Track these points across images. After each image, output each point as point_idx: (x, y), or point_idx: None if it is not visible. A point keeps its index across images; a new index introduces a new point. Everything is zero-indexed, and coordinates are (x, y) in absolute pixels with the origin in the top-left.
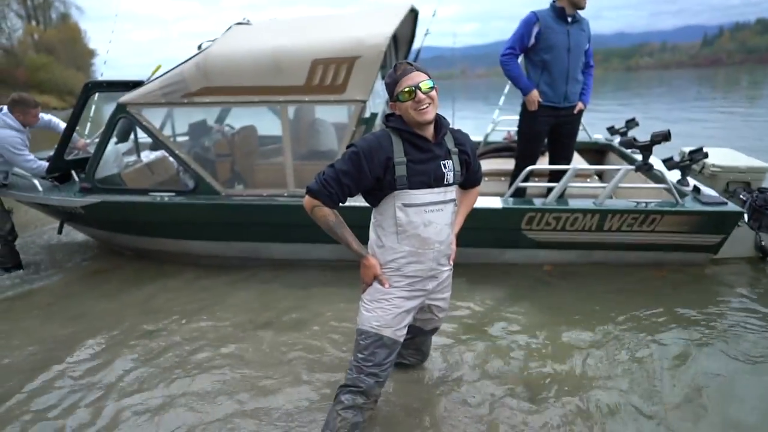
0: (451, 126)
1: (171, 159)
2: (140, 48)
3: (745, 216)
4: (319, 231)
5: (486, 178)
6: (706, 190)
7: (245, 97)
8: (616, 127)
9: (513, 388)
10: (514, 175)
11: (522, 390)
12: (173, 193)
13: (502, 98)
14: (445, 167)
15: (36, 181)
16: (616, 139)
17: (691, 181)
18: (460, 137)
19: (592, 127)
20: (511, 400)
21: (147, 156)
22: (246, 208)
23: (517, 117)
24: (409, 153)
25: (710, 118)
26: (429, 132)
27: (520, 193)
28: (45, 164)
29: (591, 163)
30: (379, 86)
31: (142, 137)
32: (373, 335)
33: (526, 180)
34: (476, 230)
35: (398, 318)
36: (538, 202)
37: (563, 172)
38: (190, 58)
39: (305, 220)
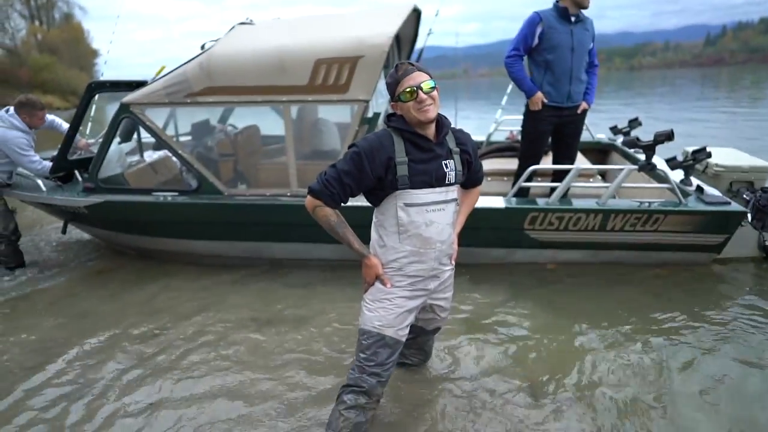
0: (452, 126)
1: (174, 159)
2: (143, 48)
3: (749, 215)
4: (321, 231)
5: (489, 178)
6: (710, 190)
7: (248, 97)
8: (619, 126)
9: (516, 388)
10: (517, 175)
11: (525, 389)
12: (176, 193)
13: (505, 98)
14: (446, 167)
15: (39, 181)
16: (619, 139)
17: (695, 181)
18: (461, 137)
19: (595, 127)
20: (515, 399)
21: (150, 156)
22: (249, 207)
23: (520, 117)
24: (411, 153)
25: (713, 117)
26: (430, 132)
27: (523, 193)
28: (49, 164)
29: (594, 163)
30: (382, 86)
31: (146, 137)
32: (375, 335)
33: (529, 180)
34: (479, 230)
35: (400, 318)
36: (541, 202)
37: (566, 171)
38: (194, 58)
39: (308, 220)
